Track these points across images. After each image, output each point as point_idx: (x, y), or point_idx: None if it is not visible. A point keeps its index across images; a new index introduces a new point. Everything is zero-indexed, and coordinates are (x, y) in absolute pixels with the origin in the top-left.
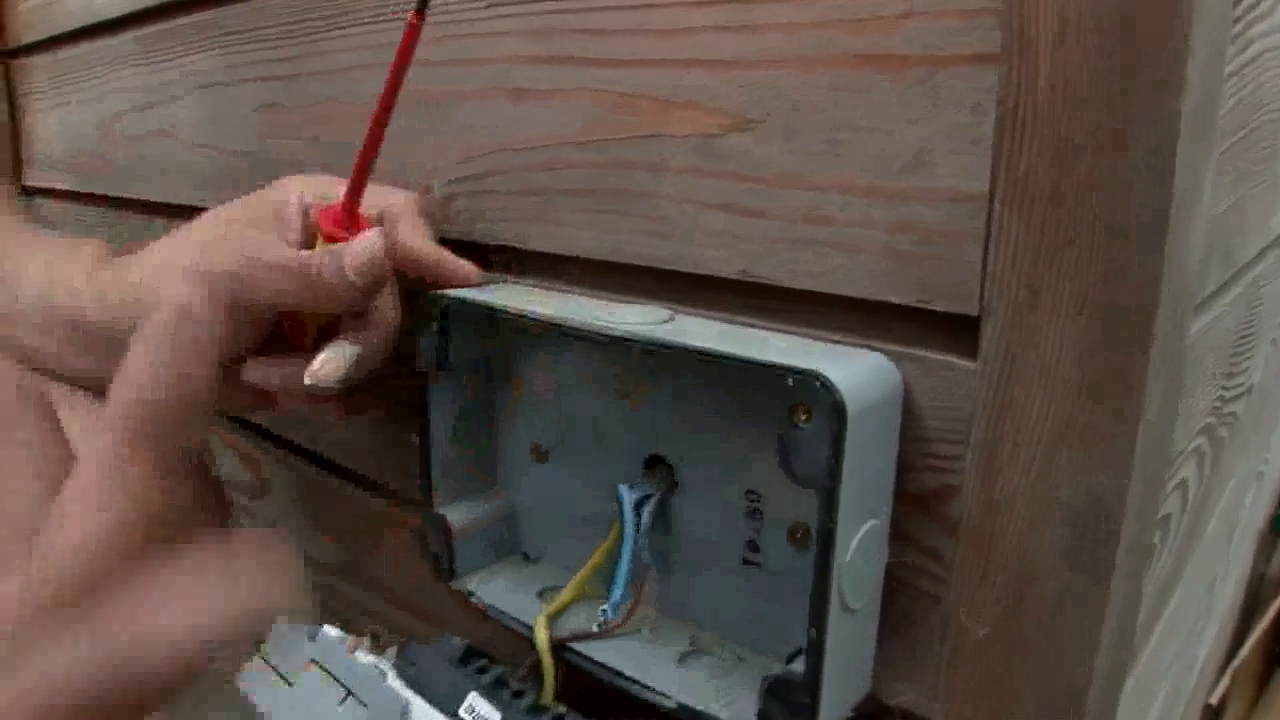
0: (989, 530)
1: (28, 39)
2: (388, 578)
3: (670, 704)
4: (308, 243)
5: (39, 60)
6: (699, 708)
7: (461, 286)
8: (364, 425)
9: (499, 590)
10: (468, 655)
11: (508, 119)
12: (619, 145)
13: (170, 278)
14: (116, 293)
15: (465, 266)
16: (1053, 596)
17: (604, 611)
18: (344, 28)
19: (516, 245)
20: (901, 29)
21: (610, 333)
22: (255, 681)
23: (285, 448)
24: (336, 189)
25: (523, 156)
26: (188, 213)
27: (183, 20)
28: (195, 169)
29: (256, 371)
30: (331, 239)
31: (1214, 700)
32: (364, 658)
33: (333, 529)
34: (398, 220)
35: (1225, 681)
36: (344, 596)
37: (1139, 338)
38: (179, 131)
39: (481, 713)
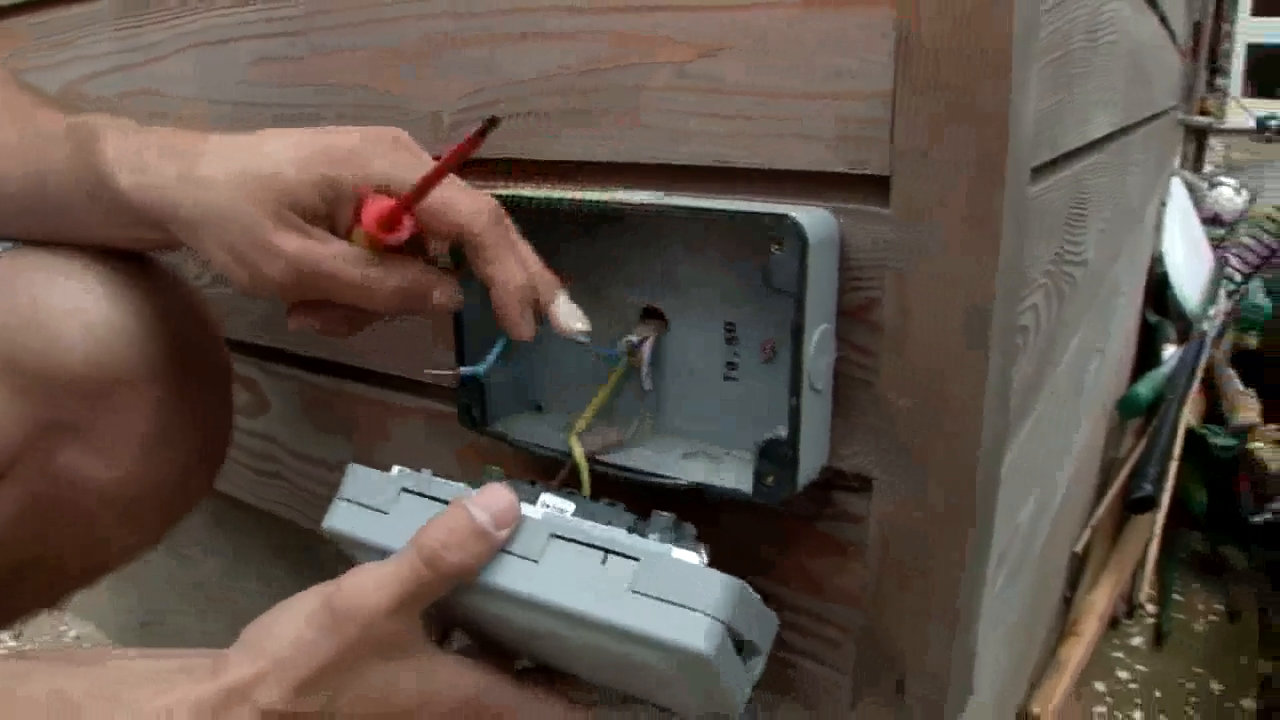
0: (904, 327)
1: None
2: (397, 462)
3: (684, 484)
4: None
5: None
6: (706, 482)
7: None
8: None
9: (524, 429)
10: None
11: (514, 57)
12: (614, 72)
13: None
14: (185, 199)
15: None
16: (952, 369)
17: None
18: None
19: (524, 158)
20: None
21: (621, 201)
22: (348, 520)
23: (281, 360)
24: (410, 175)
25: (528, 86)
26: None
27: None
28: (188, 123)
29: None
30: (370, 240)
31: (1079, 549)
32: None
33: (336, 427)
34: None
35: (1086, 535)
36: None
37: (996, 181)
38: (166, 89)
39: (556, 504)
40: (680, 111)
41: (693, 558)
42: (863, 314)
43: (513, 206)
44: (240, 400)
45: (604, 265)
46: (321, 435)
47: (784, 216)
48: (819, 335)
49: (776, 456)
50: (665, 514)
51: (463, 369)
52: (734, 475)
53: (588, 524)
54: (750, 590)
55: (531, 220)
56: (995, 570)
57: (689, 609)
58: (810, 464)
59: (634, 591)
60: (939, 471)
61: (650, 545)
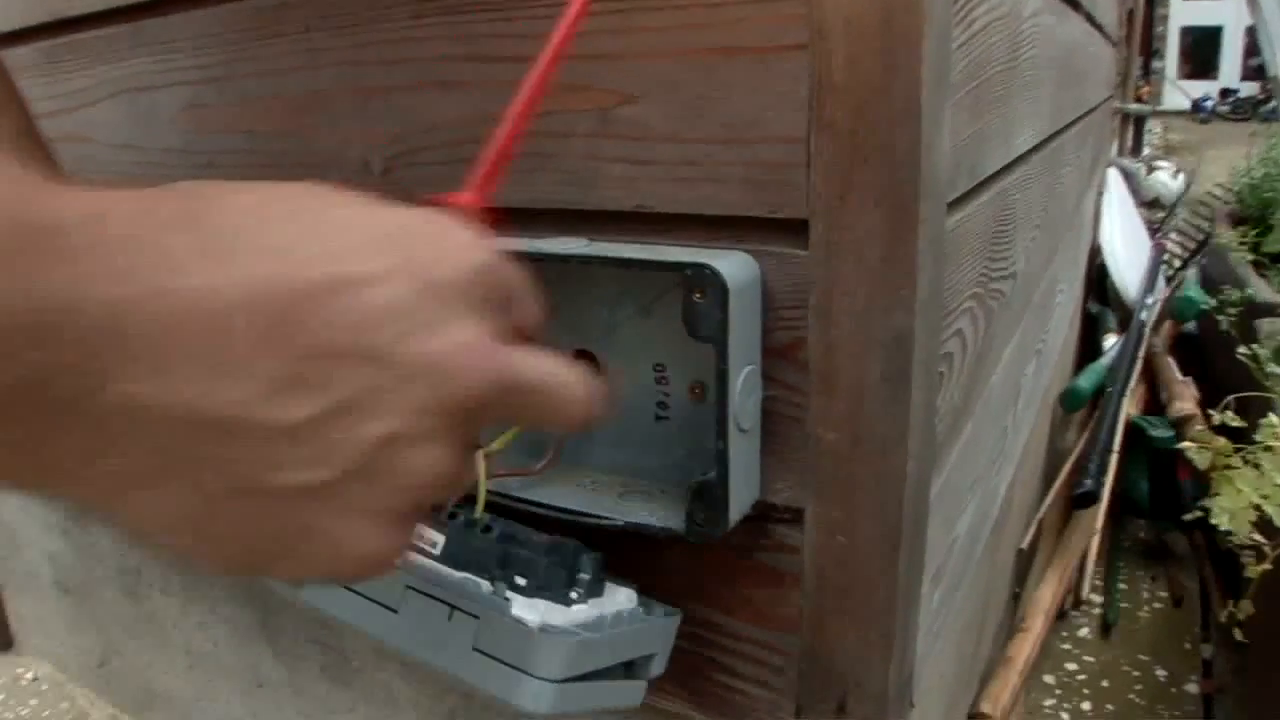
0: (829, 365)
1: None
2: None
3: (619, 524)
4: None
5: None
6: (641, 522)
7: None
8: None
9: None
10: None
11: (436, 105)
12: (534, 119)
13: None
14: None
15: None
16: (876, 404)
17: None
18: (274, 37)
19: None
20: (742, 27)
21: (548, 252)
22: None
23: None
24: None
25: (451, 133)
26: None
27: (96, 32)
28: (118, 168)
29: None
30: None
31: (1024, 545)
32: None
33: None
34: None
35: (1033, 529)
36: None
37: (910, 220)
38: (96, 134)
39: (428, 538)
40: (602, 158)
41: (534, 615)
42: (790, 353)
43: None
44: None
45: None
46: None
47: (704, 266)
48: (744, 376)
49: (707, 498)
50: (541, 537)
51: None
52: (669, 513)
53: (444, 570)
54: (589, 640)
55: None
56: (931, 587)
57: (522, 672)
58: (741, 501)
59: (475, 650)
60: (867, 501)
61: (493, 601)
